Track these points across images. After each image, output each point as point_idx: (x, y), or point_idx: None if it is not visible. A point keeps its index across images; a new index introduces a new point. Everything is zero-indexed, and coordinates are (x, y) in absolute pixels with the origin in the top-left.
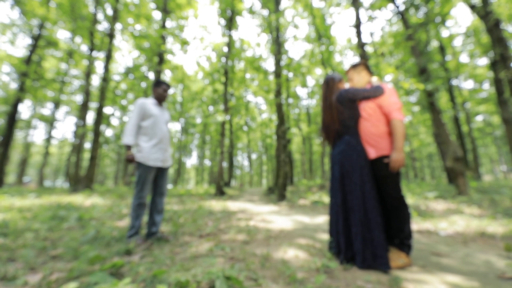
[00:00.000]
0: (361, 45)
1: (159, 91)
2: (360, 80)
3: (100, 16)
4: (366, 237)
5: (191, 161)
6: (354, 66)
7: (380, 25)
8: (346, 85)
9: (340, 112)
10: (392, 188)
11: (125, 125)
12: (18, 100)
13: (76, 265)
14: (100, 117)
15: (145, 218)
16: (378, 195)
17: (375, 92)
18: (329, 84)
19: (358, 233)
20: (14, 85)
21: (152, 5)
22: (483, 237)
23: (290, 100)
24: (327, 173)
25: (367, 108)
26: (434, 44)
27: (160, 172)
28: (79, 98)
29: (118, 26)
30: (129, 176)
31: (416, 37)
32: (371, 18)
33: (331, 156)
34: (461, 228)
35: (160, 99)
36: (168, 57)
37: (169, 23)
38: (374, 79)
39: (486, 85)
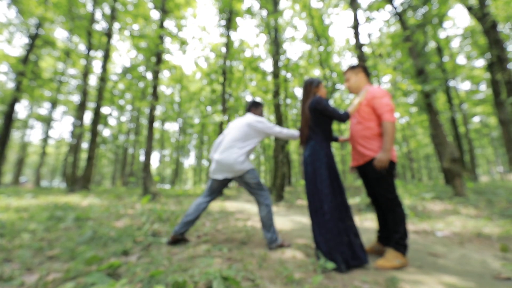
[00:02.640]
0: (359, 46)
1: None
2: (357, 81)
3: (98, 15)
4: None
5: (189, 161)
6: (352, 68)
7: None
8: (323, 91)
9: (309, 117)
10: (385, 189)
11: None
12: (15, 99)
13: (73, 266)
14: (98, 117)
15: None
16: (339, 199)
17: (340, 117)
18: (306, 88)
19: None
20: (11, 85)
21: (150, 5)
22: (479, 237)
23: (288, 101)
24: None
25: (361, 112)
26: (432, 45)
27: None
28: (76, 98)
29: (116, 25)
30: (126, 177)
31: (414, 38)
32: (369, 19)
33: (303, 157)
34: (457, 229)
35: None
36: (166, 57)
37: (167, 23)
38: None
39: (483, 87)
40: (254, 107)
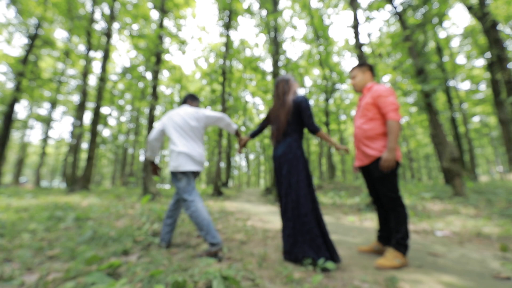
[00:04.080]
0: (358, 46)
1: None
2: (363, 80)
3: (97, 15)
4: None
5: None
6: (360, 65)
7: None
8: (300, 92)
9: (292, 113)
10: (389, 189)
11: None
12: (15, 100)
13: (73, 266)
14: (97, 117)
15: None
16: (315, 199)
17: (314, 125)
18: (288, 83)
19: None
20: (10, 85)
21: (150, 5)
22: (479, 237)
23: None
24: (325, 173)
25: (366, 112)
26: (432, 45)
27: None
28: (76, 98)
29: (115, 25)
30: (126, 177)
31: (414, 38)
32: (369, 19)
33: (274, 155)
34: (457, 229)
35: None
36: (166, 57)
37: (166, 23)
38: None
39: (483, 86)
40: (191, 99)
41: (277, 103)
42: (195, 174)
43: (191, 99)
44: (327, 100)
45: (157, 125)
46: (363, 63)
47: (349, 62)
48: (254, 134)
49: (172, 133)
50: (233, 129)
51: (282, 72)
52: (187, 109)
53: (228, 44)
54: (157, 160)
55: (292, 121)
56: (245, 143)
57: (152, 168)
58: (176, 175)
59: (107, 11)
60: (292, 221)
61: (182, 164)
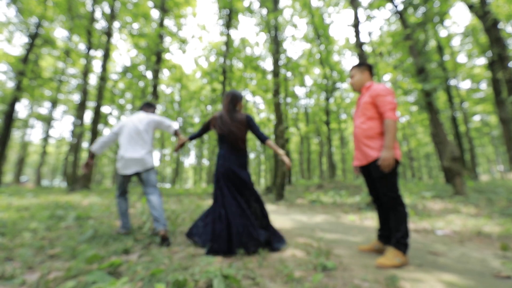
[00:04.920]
0: (359, 45)
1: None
2: (361, 79)
3: (97, 14)
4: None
5: (189, 160)
6: (359, 65)
7: (378, 24)
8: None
9: (245, 128)
10: (389, 189)
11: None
12: (15, 99)
13: (74, 264)
14: (98, 116)
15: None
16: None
17: (263, 135)
18: (238, 100)
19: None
20: (11, 84)
21: (150, 4)
22: (479, 236)
23: (288, 100)
24: (325, 172)
25: (365, 111)
26: (432, 44)
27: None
28: (76, 97)
29: (116, 24)
30: None
31: (415, 37)
32: (369, 18)
33: (222, 158)
34: (457, 228)
35: None
36: (166, 56)
37: (167, 22)
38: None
39: (484, 85)
40: (147, 107)
41: (229, 117)
42: (137, 174)
43: (147, 106)
44: (327, 99)
45: (113, 128)
46: (362, 62)
47: (349, 61)
48: (193, 137)
49: (122, 137)
50: (172, 130)
51: (283, 71)
52: (140, 115)
53: (228, 43)
54: (98, 152)
55: (244, 135)
56: (182, 144)
57: (87, 162)
58: (126, 177)
59: (107, 10)
60: (252, 218)
61: (120, 168)
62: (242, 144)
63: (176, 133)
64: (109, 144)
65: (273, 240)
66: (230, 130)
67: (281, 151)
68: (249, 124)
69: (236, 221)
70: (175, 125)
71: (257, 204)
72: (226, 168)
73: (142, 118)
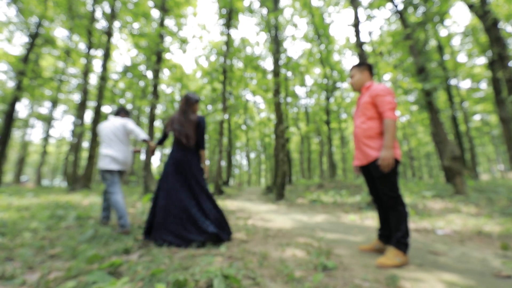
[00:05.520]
0: (359, 44)
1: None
2: (360, 79)
3: (98, 14)
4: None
5: None
6: (358, 65)
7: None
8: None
9: (196, 128)
10: (388, 188)
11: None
12: (16, 98)
13: (74, 264)
14: (98, 116)
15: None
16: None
17: (204, 144)
18: (192, 102)
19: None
20: (11, 84)
21: (151, 3)
22: (480, 236)
23: (289, 99)
24: (326, 172)
25: (365, 111)
26: (433, 43)
27: None
28: (77, 97)
29: (116, 24)
30: (127, 176)
31: (415, 36)
32: (369, 17)
33: (179, 159)
34: (458, 227)
35: None
36: (167, 56)
37: (167, 22)
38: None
39: (484, 85)
40: (124, 113)
41: (183, 118)
42: (120, 172)
43: (124, 112)
44: (328, 98)
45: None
46: (361, 62)
47: (350, 60)
48: (159, 143)
49: (103, 139)
50: (141, 138)
51: (283, 70)
52: (118, 120)
53: (228, 42)
54: None
55: (194, 136)
56: (153, 150)
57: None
58: (103, 172)
59: (107, 9)
60: (203, 208)
61: (107, 164)
62: (193, 142)
63: (145, 141)
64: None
65: (221, 232)
66: (183, 130)
67: (204, 163)
68: (198, 126)
69: (176, 213)
70: (144, 135)
71: (208, 198)
72: (176, 165)
73: (120, 122)
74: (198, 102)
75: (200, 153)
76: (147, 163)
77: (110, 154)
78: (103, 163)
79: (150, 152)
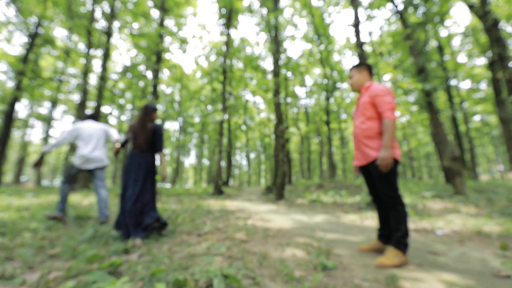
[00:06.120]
0: (359, 45)
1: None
2: (359, 79)
3: (97, 14)
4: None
5: (190, 160)
6: (358, 66)
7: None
8: (156, 116)
9: (150, 134)
10: (388, 188)
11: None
12: (15, 99)
13: (74, 264)
14: (98, 116)
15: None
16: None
17: (162, 147)
18: (148, 111)
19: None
20: (11, 84)
21: (150, 3)
22: (479, 236)
23: (289, 100)
24: (326, 172)
25: (365, 111)
26: (433, 43)
27: None
28: (76, 97)
29: (115, 24)
30: None
31: (415, 37)
32: (369, 18)
33: (134, 160)
34: (457, 227)
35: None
36: (166, 56)
37: (167, 22)
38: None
39: (484, 85)
40: (95, 118)
41: (140, 126)
42: (91, 171)
43: (95, 117)
44: (327, 99)
45: (69, 132)
46: (361, 63)
47: (350, 60)
48: (122, 145)
49: (81, 139)
50: (114, 140)
51: (283, 71)
52: (95, 124)
53: (228, 42)
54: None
55: (150, 140)
56: (117, 151)
57: (39, 160)
58: (70, 165)
59: (107, 9)
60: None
61: (80, 164)
62: (148, 147)
63: (116, 142)
64: (62, 145)
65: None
66: (139, 136)
67: (165, 166)
68: (154, 133)
69: (129, 207)
70: (117, 137)
71: (152, 194)
72: (132, 165)
73: (98, 126)
74: (156, 111)
75: (159, 155)
76: None
77: (85, 155)
78: (79, 162)
79: (114, 153)
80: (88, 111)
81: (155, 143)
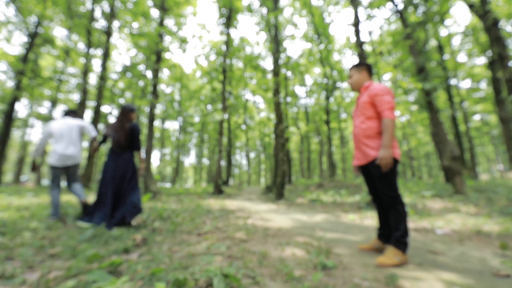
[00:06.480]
0: (359, 44)
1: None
2: (359, 79)
3: (97, 13)
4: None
5: (189, 160)
6: (357, 65)
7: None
8: (135, 116)
9: (129, 134)
10: (388, 188)
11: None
12: (15, 98)
13: (74, 264)
14: (98, 116)
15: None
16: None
17: (139, 146)
18: (126, 112)
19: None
20: (10, 84)
21: (150, 3)
22: (479, 235)
23: (289, 99)
24: (325, 172)
25: (364, 111)
26: (433, 43)
27: None
28: (76, 97)
29: (115, 23)
30: None
31: (415, 36)
32: (369, 17)
33: (111, 158)
34: (457, 227)
35: None
36: (166, 55)
37: (167, 21)
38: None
39: (484, 85)
40: (73, 114)
41: (118, 126)
42: (67, 168)
43: (73, 113)
44: (327, 98)
45: (43, 133)
46: (360, 62)
47: (350, 60)
48: (101, 143)
49: (54, 137)
50: (92, 136)
51: (283, 70)
52: (70, 120)
53: (228, 42)
54: (38, 159)
55: (129, 140)
56: (96, 148)
57: (33, 165)
58: (50, 167)
59: (107, 9)
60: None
61: (55, 162)
62: (125, 145)
63: (94, 139)
64: (44, 147)
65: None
66: (116, 136)
67: (143, 165)
68: (131, 133)
69: (111, 202)
70: (95, 133)
71: (134, 190)
72: (111, 162)
73: (72, 122)
74: (134, 112)
75: (137, 153)
76: (147, 163)
77: (59, 152)
78: (51, 160)
79: (92, 150)
80: (65, 107)
81: (133, 141)
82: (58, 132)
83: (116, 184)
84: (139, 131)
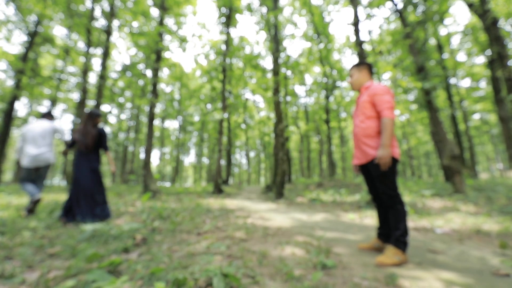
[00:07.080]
0: (359, 43)
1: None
2: (359, 78)
3: (97, 12)
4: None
5: (189, 159)
6: (357, 65)
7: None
8: (100, 120)
9: (96, 139)
10: (388, 187)
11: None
12: (15, 97)
13: (74, 263)
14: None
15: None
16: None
17: (107, 147)
18: (92, 117)
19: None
20: (10, 83)
21: (150, 2)
22: (478, 234)
23: (288, 98)
24: (325, 171)
25: (364, 110)
26: (432, 42)
27: None
28: (76, 96)
29: (115, 23)
30: (126, 174)
31: (414, 35)
32: (369, 16)
33: (80, 160)
34: (457, 226)
35: None
36: (166, 54)
37: (167, 20)
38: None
39: (483, 84)
40: (49, 116)
41: (84, 130)
42: (38, 169)
43: (49, 115)
44: (327, 97)
45: (21, 135)
46: (360, 62)
47: (349, 59)
48: (69, 146)
49: (26, 140)
50: (64, 139)
51: (283, 69)
52: (43, 123)
53: (228, 41)
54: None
55: (95, 143)
56: (66, 152)
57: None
58: (22, 168)
59: (107, 8)
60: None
61: (28, 163)
62: (92, 148)
63: (66, 143)
64: (23, 148)
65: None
66: (82, 139)
67: (113, 165)
68: (100, 136)
69: (82, 200)
70: (67, 137)
71: (101, 188)
72: (80, 163)
73: (46, 125)
74: (100, 117)
75: (107, 154)
76: (147, 161)
77: (30, 154)
78: (24, 162)
79: (63, 153)
80: (43, 110)
81: (102, 144)
82: (30, 135)
83: (84, 182)
84: (106, 134)
